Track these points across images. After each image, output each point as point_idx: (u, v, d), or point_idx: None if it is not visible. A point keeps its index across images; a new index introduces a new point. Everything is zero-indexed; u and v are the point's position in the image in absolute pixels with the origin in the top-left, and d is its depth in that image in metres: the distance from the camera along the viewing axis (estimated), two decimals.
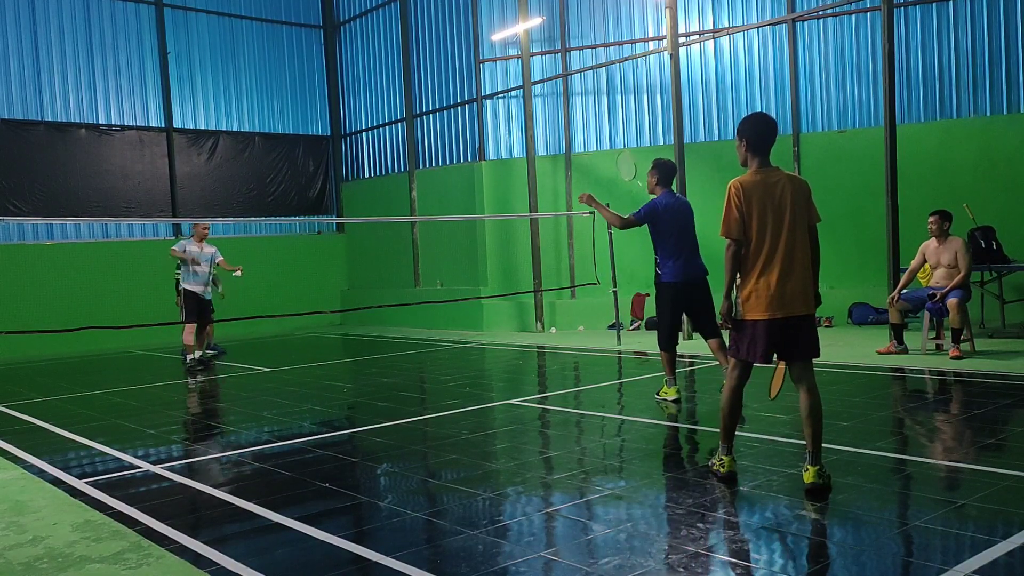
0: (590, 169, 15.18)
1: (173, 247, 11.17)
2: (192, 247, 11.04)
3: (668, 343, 7.19)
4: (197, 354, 11.04)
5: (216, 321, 11.81)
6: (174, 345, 13.05)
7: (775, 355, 4.59)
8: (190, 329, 10.98)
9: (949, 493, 4.49)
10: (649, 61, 14.64)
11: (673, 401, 7.17)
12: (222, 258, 11.40)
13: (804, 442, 4.46)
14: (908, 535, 3.78)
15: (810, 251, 4.54)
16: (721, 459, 4.75)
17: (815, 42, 13.36)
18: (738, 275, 4.55)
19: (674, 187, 7.45)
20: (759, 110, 13.80)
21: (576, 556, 3.67)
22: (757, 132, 4.64)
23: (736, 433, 4.92)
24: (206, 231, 11.36)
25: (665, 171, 7.17)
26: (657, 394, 7.42)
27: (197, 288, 11.07)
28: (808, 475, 4.38)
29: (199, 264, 11.03)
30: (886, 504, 4.27)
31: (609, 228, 12.01)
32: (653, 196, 7.21)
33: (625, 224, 7.21)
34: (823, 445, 4.53)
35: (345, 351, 13.77)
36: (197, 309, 11.09)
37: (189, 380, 10.32)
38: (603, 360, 10.50)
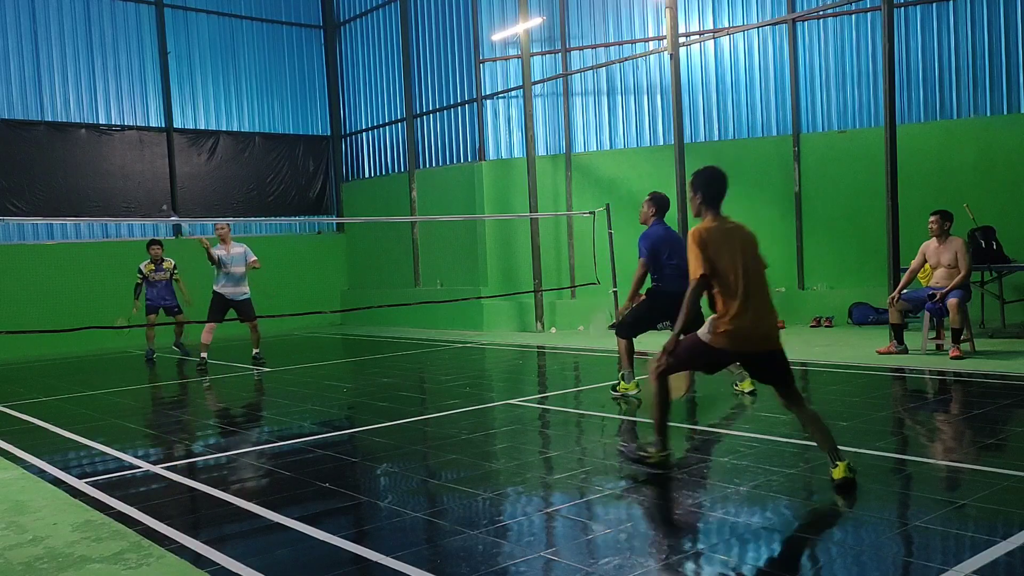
0: (590, 169, 15.18)
1: (212, 252, 11.04)
2: (216, 252, 11.07)
3: (630, 332, 7.49)
4: (204, 354, 11.06)
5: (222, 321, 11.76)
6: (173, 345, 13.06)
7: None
8: (209, 328, 11.06)
9: (949, 493, 4.49)
10: (649, 61, 14.64)
11: (634, 396, 7.30)
12: (255, 258, 11.37)
13: (802, 442, 4.47)
14: (908, 535, 3.78)
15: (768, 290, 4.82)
16: (655, 452, 4.86)
17: (815, 42, 13.36)
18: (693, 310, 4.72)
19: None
20: (759, 110, 13.82)
21: (576, 556, 3.67)
22: (712, 187, 4.92)
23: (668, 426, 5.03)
24: (224, 231, 11.39)
25: (662, 204, 7.45)
26: (615, 390, 7.50)
27: (225, 290, 11.10)
28: (837, 471, 4.42)
29: (227, 267, 11.04)
30: (886, 504, 4.27)
31: (609, 228, 12.02)
32: (645, 226, 7.46)
33: (643, 274, 7.42)
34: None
35: (345, 351, 13.77)
36: (222, 310, 11.15)
37: (204, 379, 10.37)
38: (603, 360, 10.50)
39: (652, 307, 7.43)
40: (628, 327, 7.56)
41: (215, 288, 11.15)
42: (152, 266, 12.46)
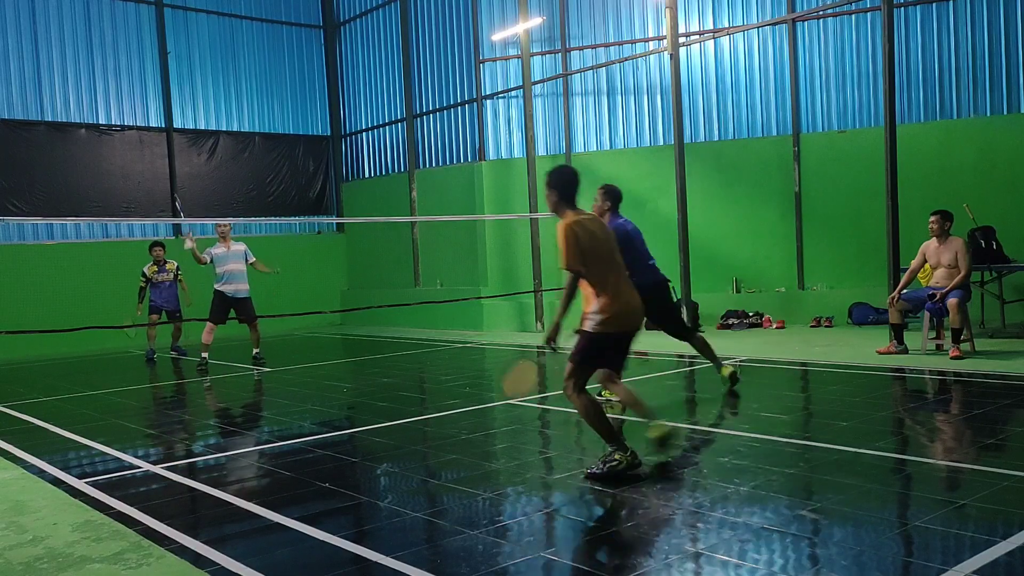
0: (590, 169, 15.17)
1: (202, 256, 11.14)
2: (216, 250, 11.13)
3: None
4: (205, 354, 11.05)
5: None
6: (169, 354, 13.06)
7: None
8: (210, 328, 11.06)
9: (949, 493, 4.49)
10: (649, 61, 14.64)
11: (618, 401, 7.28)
12: (255, 258, 11.45)
13: (802, 442, 4.46)
14: (908, 535, 3.78)
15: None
16: (621, 456, 4.89)
17: (815, 42, 13.36)
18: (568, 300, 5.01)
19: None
20: (759, 110, 13.82)
21: (576, 556, 3.67)
22: (568, 185, 5.20)
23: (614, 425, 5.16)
24: (225, 229, 11.44)
25: (616, 196, 7.42)
26: (600, 394, 7.43)
27: (226, 288, 11.11)
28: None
29: (224, 265, 11.06)
30: (886, 504, 4.27)
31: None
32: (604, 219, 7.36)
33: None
34: (826, 445, 4.54)
35: (345, 351, 13.77)
36: (224, 310, 11.17)
37: (204, 379, 10.37)
38: None
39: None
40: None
41: (216, 287, 11.17)
42: (155, 268, 12.54)
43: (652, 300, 7.23)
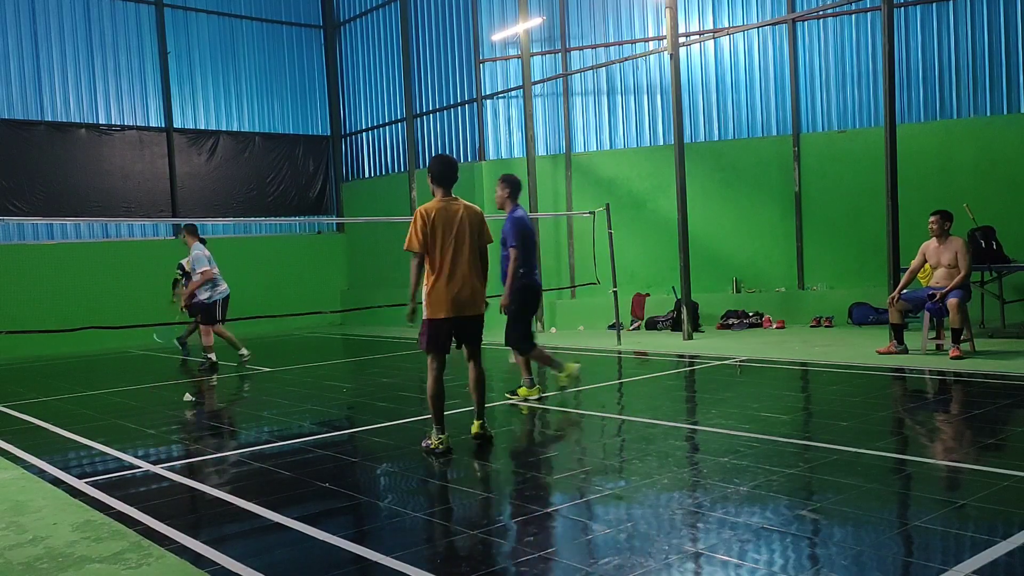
0: (590, 169, 15.18)
1: (207, 268, 10.75)
2: (207, 252, 10.94)
3: (528, 343, 7.52)
4: (212, 355, 11.00)
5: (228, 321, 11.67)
6: (174, 345, 13.06)
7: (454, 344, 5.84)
8: (210, 330, 10.95)
9: (949, 493, 4.49)
10: (649, 61, 14.64)
11: (536, 400, 7.39)
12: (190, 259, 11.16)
13: (802, 442, 4.46)
14: (908, 535, 3.78)
15: (480, 265, 5.82)
16: (439, 438, 5.66)
17: (815, 42, 13.36)
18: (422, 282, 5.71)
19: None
20: (759, 110, 13.82)
21: (576, 556, 3.67)
22: (441, 170, 5.78)
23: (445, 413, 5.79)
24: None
25: (516, 185, 7.41)
26: (514, 393, 7.60)
27: (225, 286, 11.02)
28: (474, 427, 5.91)
29: (216, 265, 10.96)
30: (886, 504, 4.26)
31: (609, 228, 12.02)
32: (503, 210, 7.37)
33: (516, 264, 7.09)
34: (826, 445, 4.53)
35: (345, 351, 13.77)
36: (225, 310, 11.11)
37: (205, 379, 10.37)
38: (603, 360, 10.50)
39: (524, 304, 7.35)
40: (522, 339, 7.47)
41: (221, 291, 11.03)
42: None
43: (523, 300, 7.27)
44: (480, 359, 6.06)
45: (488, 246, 5.95)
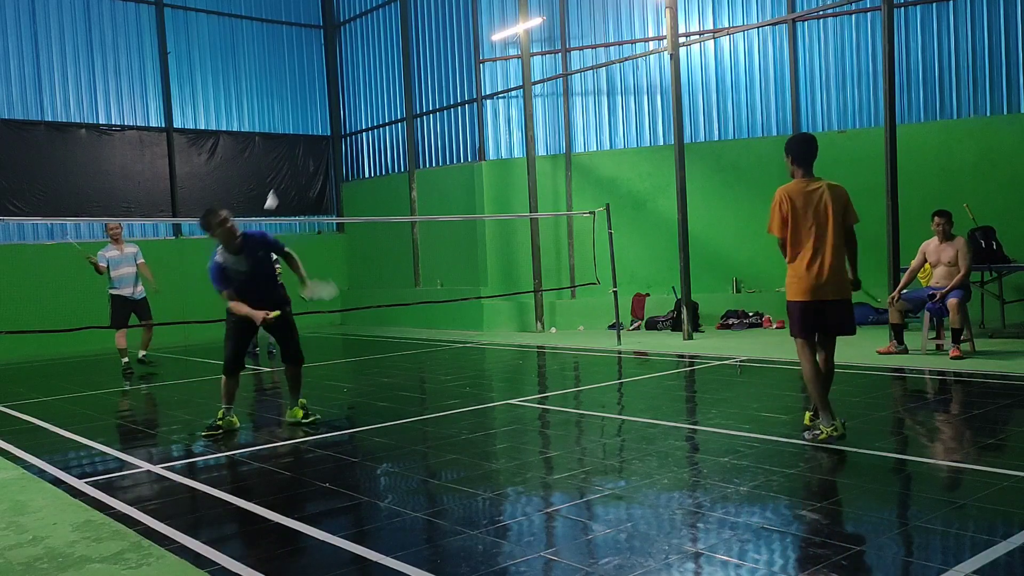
0: (590, 169, 15.18)
1: (99, 263, 10.87)
2: (109, 253, 10.96)
3: (238, 365, 6.97)
4: (142, 354, 10.92)
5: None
6: (174, 345, 13.06)
7: None
8: (121, 334, 10.99)
9: (949, 493, 4.49)
10: (649, 61, 14.64)
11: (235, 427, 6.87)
12: (143, 260, 11.20)
13: (802, 441, 4.45)
14: (908, 535, 3.78)
15: (847, 247, 5.56)
16: (832, 424, 5.30)
17: (815, 42, 13.36)
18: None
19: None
20: (759, 110, 13.82)
21: (576, 556, 3.67)
22: (800, 150, 5.56)
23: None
24: (116, 231, 11.20)
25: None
26: (215, 427, 6.79)
27: (124, 291, 10.98)
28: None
29: (119, 268, 10.92)
30: (886, 504, 4.27)
31: (609, 228, 12.02)
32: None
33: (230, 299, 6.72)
34: (825, 445, 4.52)
35: (345, 351, 13.77)
36: (126, 313, 11.04)
37: (126, 383, 10.30)
38: (603, 360, 10.50)
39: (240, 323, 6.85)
40: (237, 362, 6.99)
41: (112, 292, 11.02)
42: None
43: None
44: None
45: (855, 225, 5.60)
